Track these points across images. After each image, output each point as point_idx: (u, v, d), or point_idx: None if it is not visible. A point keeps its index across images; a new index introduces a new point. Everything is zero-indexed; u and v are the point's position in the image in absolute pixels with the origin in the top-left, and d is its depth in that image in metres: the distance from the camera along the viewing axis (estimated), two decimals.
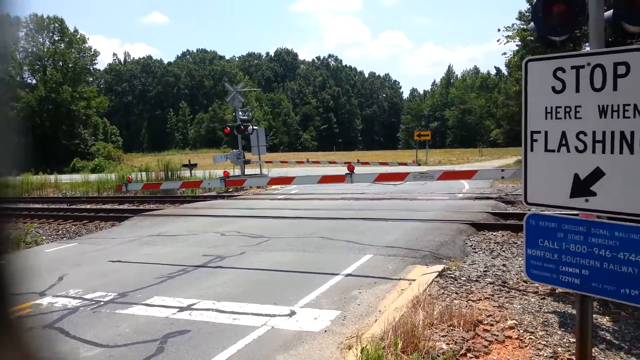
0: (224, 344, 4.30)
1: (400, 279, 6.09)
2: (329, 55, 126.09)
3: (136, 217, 13.21)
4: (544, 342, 3.96)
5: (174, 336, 4.56)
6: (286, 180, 14.67)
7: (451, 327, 4.17)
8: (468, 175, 10.36)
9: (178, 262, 7.53)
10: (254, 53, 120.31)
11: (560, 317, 4.51)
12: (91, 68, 65.74)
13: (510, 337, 4.07)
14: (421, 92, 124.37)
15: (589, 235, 3.05)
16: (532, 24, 4.01)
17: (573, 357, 3.56)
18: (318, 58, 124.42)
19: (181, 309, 5.28)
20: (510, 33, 29.51)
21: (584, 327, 3.07)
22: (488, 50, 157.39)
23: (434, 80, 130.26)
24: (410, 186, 16.91)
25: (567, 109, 3.08)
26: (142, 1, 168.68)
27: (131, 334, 4.67)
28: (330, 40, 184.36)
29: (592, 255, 3.00)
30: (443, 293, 5.36)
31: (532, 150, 3.31)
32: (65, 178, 28.88)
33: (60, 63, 58.30)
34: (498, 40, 30.32)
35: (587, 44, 3.44)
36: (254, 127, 21.69)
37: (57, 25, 59.19)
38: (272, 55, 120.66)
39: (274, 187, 19.12)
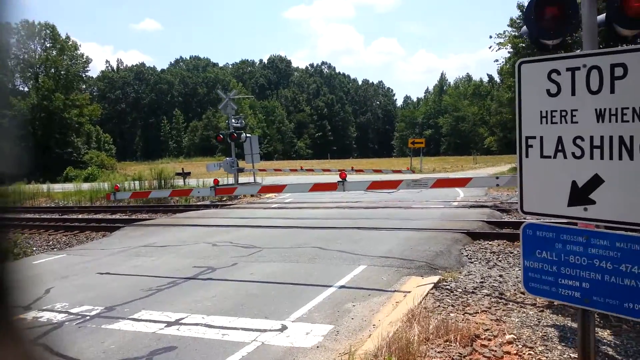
0: None
1: (395, 290, 5.95)
2: (323, 63, 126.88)
3: (127, 227, 13.00)
4: (544, 358, 3.82)
5: (160, 353, 4.39)
6: (278, 189, 14.51)
7: (448, 343, 4.03)
8: (462, 183, 10.25)
9: (168, 274, 7.36)
10: (247, 60, 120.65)
11: (560, 330, 4.38)
12: (84, 75, 65.38)
13: (509, 353, 3.93)
14: (415, 100, 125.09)
15: (588, 245, 2.93)
16: (524, 27, 3.92)
17: None
18: (311, 65, 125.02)
19: (169, 324, 5.11)
20: (502, 40, 29.65)
21: (586, 342, 2.95)
22: (480, 57, 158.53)
23: (427, 88, 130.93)
24: (405, 194, 16.81)
25: (563, 113, 2.97)
26: (135, 8, 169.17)
27: (116, 351, 4.50)
28: (323, 47, 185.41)
29: (593, 267, 2.87)
30: (439, 306, 5.22)
31: (527, 156, 3.19)
32: (57, 187, 28.59)
33: (52, 70, 57.88)
34: (490, 47, 30.43)
35: (579, 50, 3.35)
36: (247, 135, 21.54)
37: (48, 31, 58.75)
38: (266, 62, 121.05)
39: (267, 195, 18.96)
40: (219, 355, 4.25)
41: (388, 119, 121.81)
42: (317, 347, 4.34)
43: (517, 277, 6.22)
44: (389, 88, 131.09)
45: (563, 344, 4.09)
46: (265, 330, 4.78)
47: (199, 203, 18.57)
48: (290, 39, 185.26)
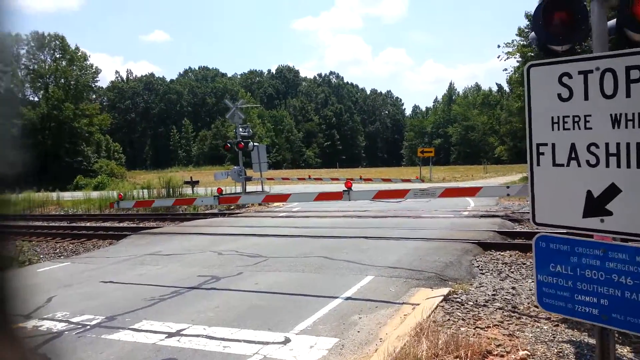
0: None
1: (403, 302, 5.78)
2: (331, 72, 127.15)
3: (134, 236, 12.95)
4: None
5: None
6: (282, 198, 14.39)
7: (457, 359, 3.87)
8: (471, 192, 10.07)
9: (171, 283, 7.25)
10: (255, 70, 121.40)
11: (576, 347, 4.19)
12: (93, 85, 66.13)
13: None
14: (423, 109, 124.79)
15: (606, 259, 2.76)
16: (532, 33, 3.80)
17: None
18: (319, 75, 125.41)
19: (170, 335, 4.99)
20: (510, 49, 29.54)
21: None
22: (488, 67, 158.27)
23: (436, 97, 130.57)
24: (413, 204, 16.62)
25: (576, 119, 2.82)
26: (145, 20, 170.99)
27: None
28: (331, 57, 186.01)
29: (611, 283, 2.71)
30: (449, 319, 5.05)
31: (538, 164, 3.04)
32: (67, 195, 28.74)
33: (62, 80, 58.67)
34: (498, 57, 30.34)
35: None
36: (255, 144, 21.51)
37: (58, 42, 59.63)
38: (274, 72, 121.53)
39: (275, 204, 18.86)
40: None
41: (397, 129, 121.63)
42: None
43: (530, 290, 6.04)
44: (397, 97, 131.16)
45: None
46: (267, 343, 4.64)
47: (206, 212, 18.51)
48: (298, 50, 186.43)
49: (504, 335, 4.53)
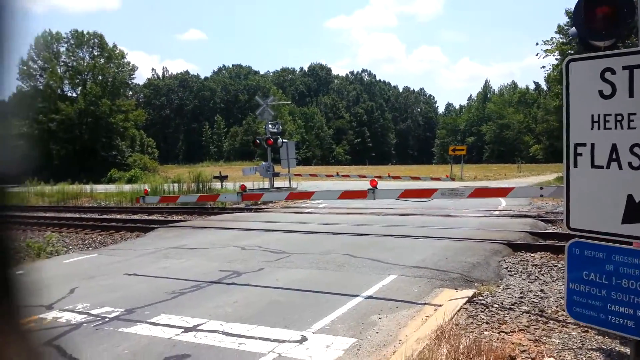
0: None
1: (425, 303, 5.58)
2: (363, 70, 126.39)
3: (161, 228, 13.09)
4: None
5: None
6: (306, 195, 14.28)
7: None
8: (502, 193, 9.68)
9: (193, 277, 7.24)
10: (288, 68, 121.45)
11: (607, 355, 3.91)
12: (130, 82, 67.74)
13: None
14: (457, 107, 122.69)
15: None
16: (572, 29, 3.58)
17: None
18: (352, 73, 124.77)
19: (186, 330, 4.94)
20: (549, 47, 28.52)
21: None
22: (525, 65, 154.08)
23: (470, 95, 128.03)
24: (443, 202, 16.25)
25: (619, 117, 2.59)
26: (181, 19, 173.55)
27: (129, 356, 4.35)
28: (364, 55, 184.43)
29: None
30: (472, 322, 4.82)
31: (575, 166, 2.81)
32: (100, 188, 29.43)
33: (100, 77, 60.39)
34: (537, 55, 29.40)
35: None
36: (284, 140, 21.52)
37: (96, 40, 61.53)
38: (306, 70, 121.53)
39: (301, 200, 18.78)
40: None
41: (429, 126, 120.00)
42: None
43: (559, 293, 5.73)
44: (430, 95, 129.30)
45: None
46: (284, 341, 4.52)
47: (233, 206, 18.60)
48: (331, 48, 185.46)
49: (529, 340, 4.28)
